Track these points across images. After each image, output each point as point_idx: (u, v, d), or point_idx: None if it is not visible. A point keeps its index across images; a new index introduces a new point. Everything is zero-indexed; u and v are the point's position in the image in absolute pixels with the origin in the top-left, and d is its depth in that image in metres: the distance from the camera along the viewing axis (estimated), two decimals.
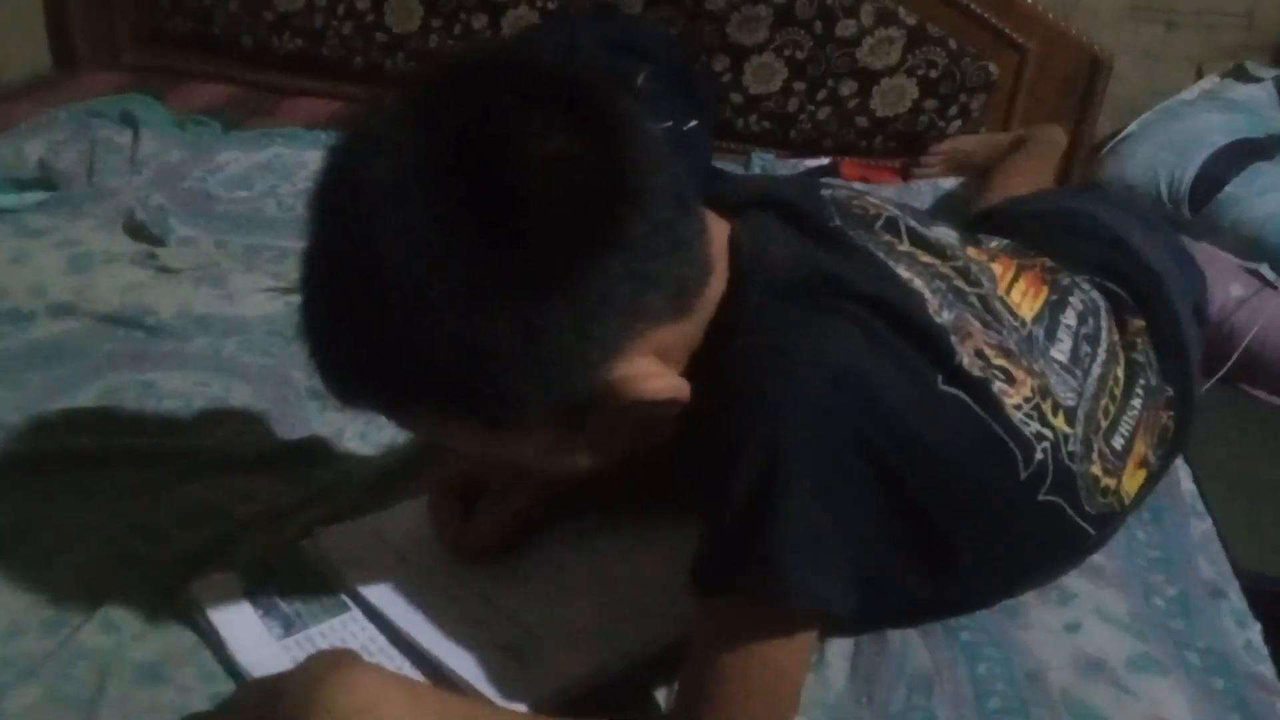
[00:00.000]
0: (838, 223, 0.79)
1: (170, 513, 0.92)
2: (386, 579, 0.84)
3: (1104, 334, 0.90)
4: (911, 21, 1.86)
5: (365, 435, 1.06)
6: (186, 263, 1.39)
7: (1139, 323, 0.94)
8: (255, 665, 0.76)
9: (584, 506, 0.91)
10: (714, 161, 1.74)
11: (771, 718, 0.69)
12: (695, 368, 0.70)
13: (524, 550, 0.88)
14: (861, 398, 0.68)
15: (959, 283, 0.81)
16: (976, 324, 0.77)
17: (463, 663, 0.76)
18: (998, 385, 0.75)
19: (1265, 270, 1.59)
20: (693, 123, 1.70)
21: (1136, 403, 0.89)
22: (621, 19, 1.89)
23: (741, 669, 0.67)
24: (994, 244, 0.94)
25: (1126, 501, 0.89)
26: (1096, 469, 0.83)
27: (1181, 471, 1.07)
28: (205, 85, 2.05)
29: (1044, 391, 0.79)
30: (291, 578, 0.84)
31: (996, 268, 0.87)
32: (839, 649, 0.82)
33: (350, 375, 0.67)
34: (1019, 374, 0.77)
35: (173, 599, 0.82)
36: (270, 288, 1.34)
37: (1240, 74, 1.98)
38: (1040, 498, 0.78)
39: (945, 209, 1.64)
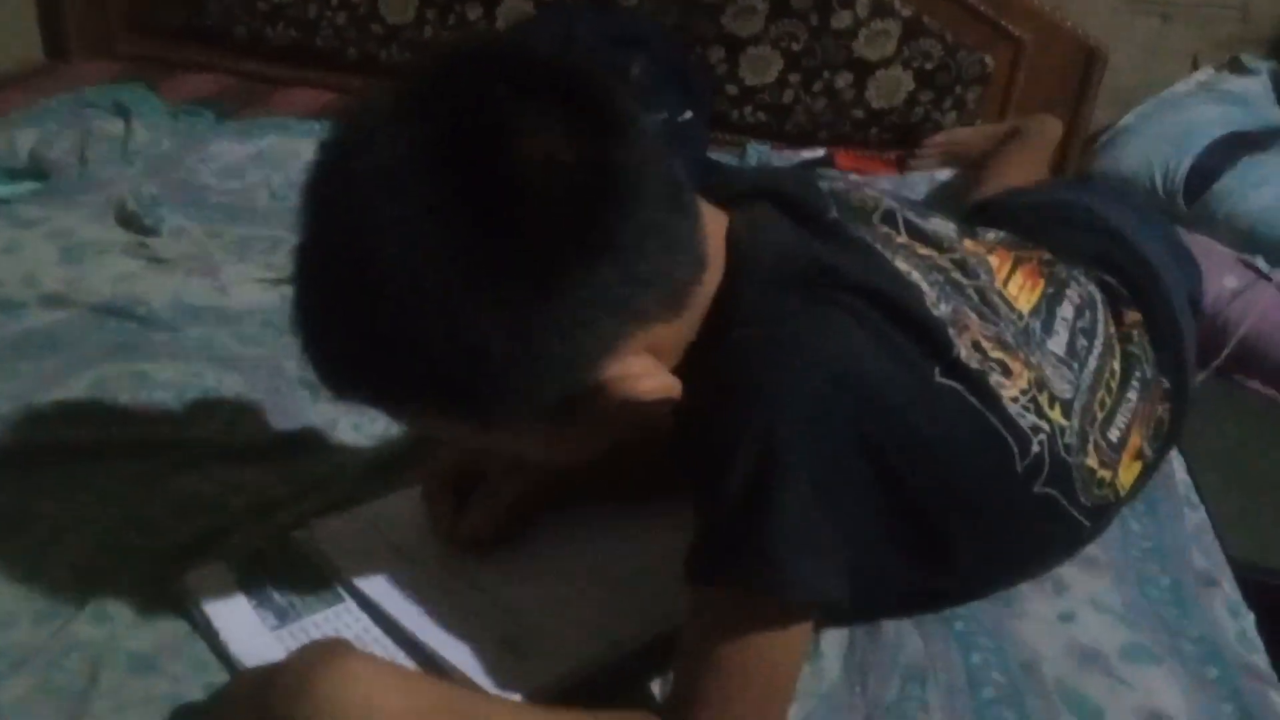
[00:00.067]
0: (835, 215, 0.78)
1: (163, 504, 0.92)
2: (380, 570, 0.83)
3: (1100, 326, 0.90)
4: (907, 13, 1.85)
5: (359, 426, 1.06)
6: (179, 253, 1.39)
7: (1135, 315, 0.95)
8: (249, 656, 0.76)
9: (578, 497, 0.91)
10: (709, 153, 1.73)
11: (767, 709, 0.69)
12: (692, 359, 0.70)
13: (518, 541, 0.87)
14: (858, 390, 0.68)
15: (956, 275, 0.81)
16: (974, 316, 0.77)
17: (457, 653, 0.76)
18: (995, 378, 0.75)
19: (1259, 262, 1.59)
20: (688, 114, 1.70)
21: (1132, 395, 0.89)
22: (617, 10, 1.89)
23: (737, 661, 0.67)
24: (991, 236, 0.94)
25: (1122, 493, 0.89)
26: (1092, 461, 0.83)
27: (1175, 462, 1.07)
28: (198, 75, 2.04)
29: (1041, 384, 0.79)
30: (285, 569, 0.84)
31: (994, 260, 0.87)
32: (833, 639, 0.82)
33: (342, 368, 0.67)
34: (1016, 366, 0.77)
35: (166, 590, 0.82)
36: (263, 278, 1.34)
37: (1235, 66, 1.97)
38: (1036, 490, 0.78)
39: (941, 200, 1.64)
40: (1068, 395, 0.81)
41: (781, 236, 0.74)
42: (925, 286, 0.76)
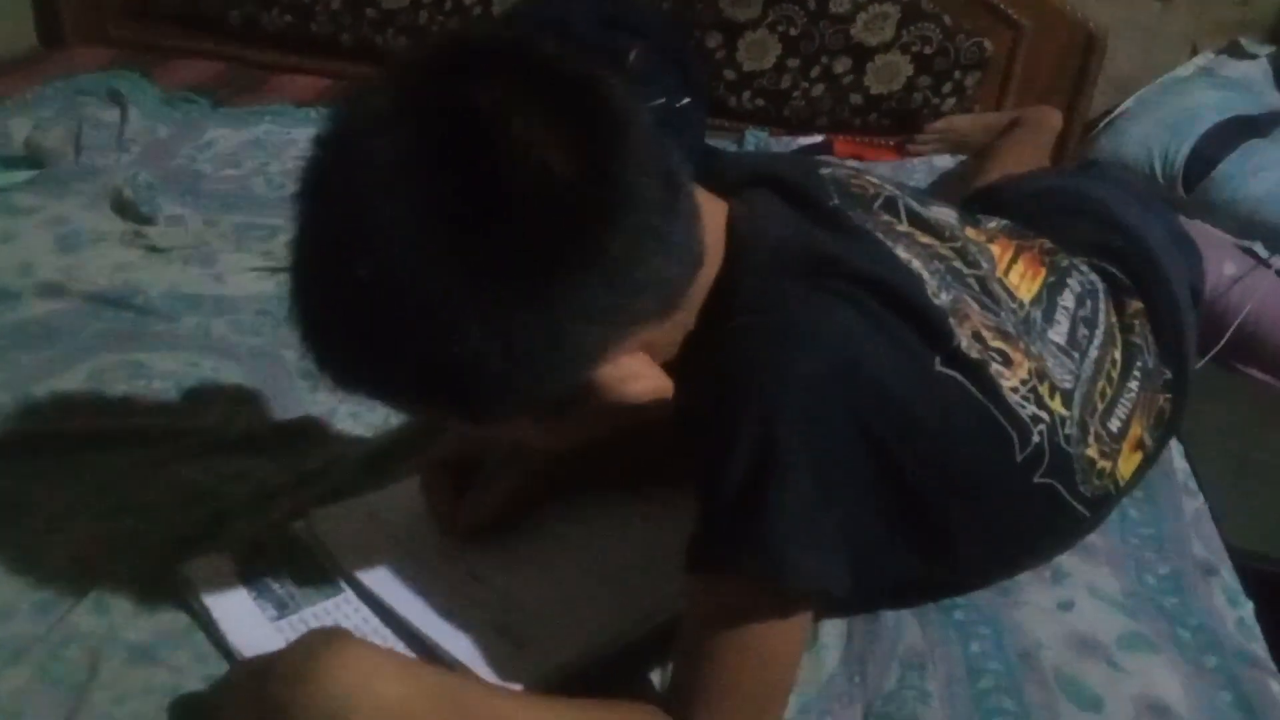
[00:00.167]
0: (836, 202, 0.78)
1: (162, 494, 0.92)
2: (380, 560, 0.83)
3: (1102, 316, 0.90)
4: None
5: (357, 415, 1.06)
6: (175, 241, 1.38)
7: (1137, 305, 0.94)
8: (248, 646, 0.76)
9: (577, 486, 0.91)
10: (708, 139, 1.73)
11: (767, 699, 0.69)
12: (691, 348, 0.70)
13: (517, 530, 0.87)
14: (858, 379, 0.68)
15: (957, 264, 0.80)
16: (974, 305, 0.77)
17: (456, 643, 0.76)
18: (995, 367, 0.75)
19: (1259, 248, 1.59)
20: (686, 100, 1.69)
21: (1134, 385, 0.89)
22: None
23: (737, 650, 0.67)
24: (992, 224, 0.93)
25: (1121, 484, 0.89)
26: (1092, 451, 0.83)
27: (1174, 450, 1.07)
28: (193, 62, 2.03)
29: (1041, 374, 0.78)
30: (284, 559, 0.84)
31: (995, 249, 0.87)
32: (832, 628, 0.82)
33: (337, 365, 0.66)
34: (1016, 356, 0.77)
35: (165, 580, 0.81)
36: (260, 267, 1.33)
37: (1235, 51, 1.97)
38: (1036, 480, 0.78)
39: (940, 187, 1.64)
40: (1068, 385, 0.81)
41: (782, 225, 0.74)
42: (926, 275, 0.75)
